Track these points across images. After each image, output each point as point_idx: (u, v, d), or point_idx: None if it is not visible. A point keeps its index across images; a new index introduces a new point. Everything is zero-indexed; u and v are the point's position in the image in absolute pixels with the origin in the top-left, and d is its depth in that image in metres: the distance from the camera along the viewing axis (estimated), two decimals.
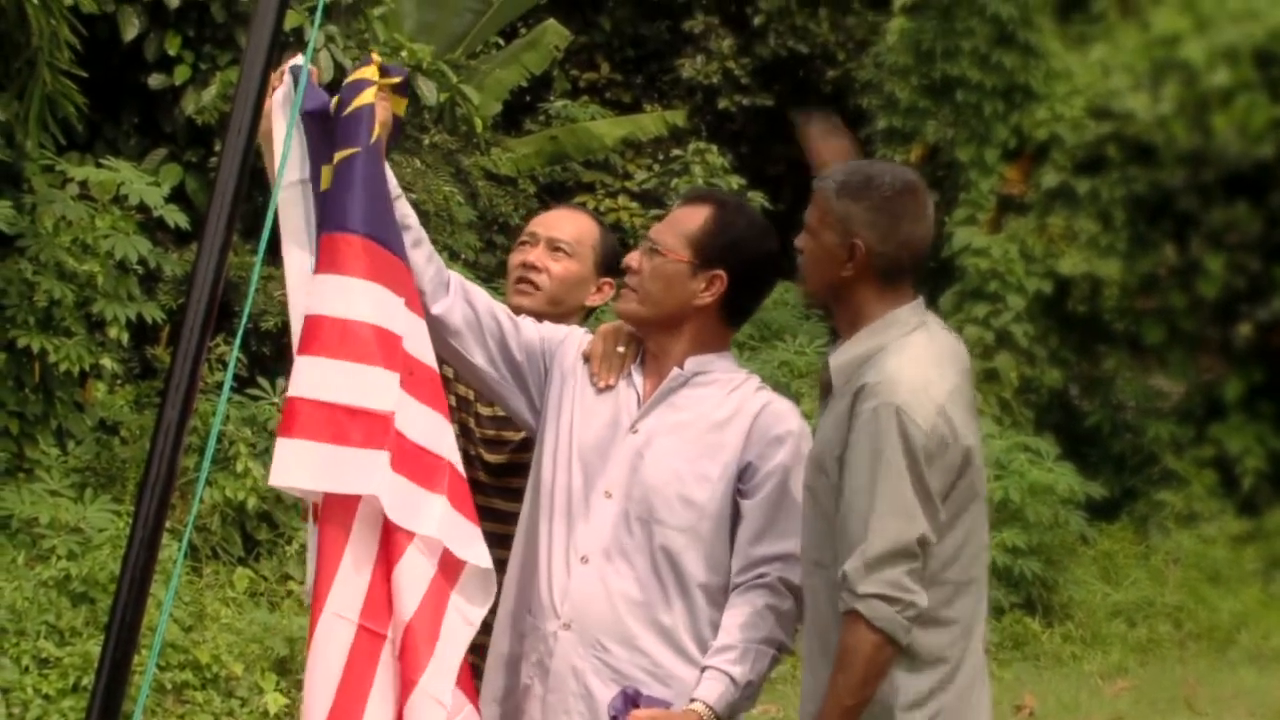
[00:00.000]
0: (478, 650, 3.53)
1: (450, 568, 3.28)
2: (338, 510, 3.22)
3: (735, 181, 12.96)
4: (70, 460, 7.87)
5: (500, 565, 3.58)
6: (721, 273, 3.49)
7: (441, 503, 3.29)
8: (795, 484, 3.39)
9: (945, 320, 3.41)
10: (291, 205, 3.35)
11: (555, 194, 13.17)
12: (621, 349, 3.58)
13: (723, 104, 14.98)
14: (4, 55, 7.65)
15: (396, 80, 3.39)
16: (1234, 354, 12.24)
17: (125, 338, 7.99)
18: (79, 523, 7.30)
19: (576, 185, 13.64)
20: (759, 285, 3.59)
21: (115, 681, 2.89)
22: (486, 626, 3.52)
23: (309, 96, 3.33)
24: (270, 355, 8.94)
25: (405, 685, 3.19)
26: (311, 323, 3.25)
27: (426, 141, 11.11)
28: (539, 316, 3.73)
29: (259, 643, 7.13)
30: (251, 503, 7.89)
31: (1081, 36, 12.56)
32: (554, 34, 12.92)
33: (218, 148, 6.27)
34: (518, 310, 3.74)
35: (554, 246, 3.86)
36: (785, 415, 3.49)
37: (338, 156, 3.29)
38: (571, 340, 3.63)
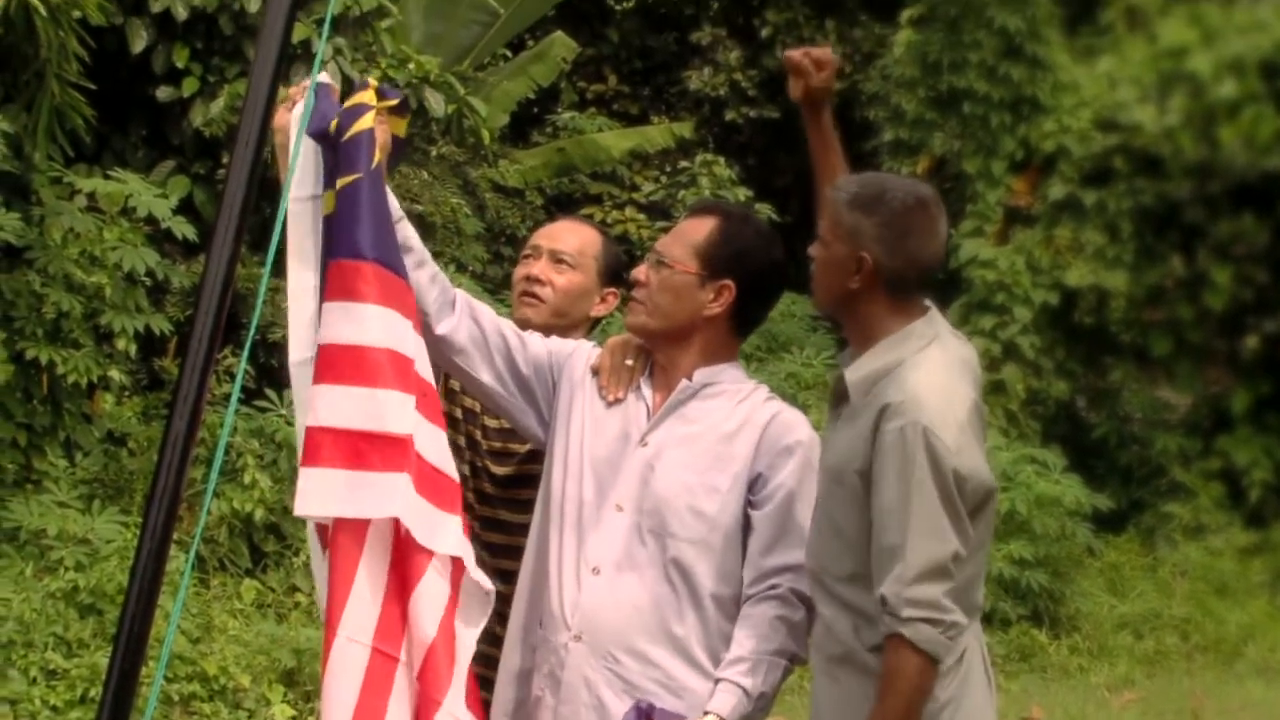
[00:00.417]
0: (488, 661, 3.53)
1: (458, 588, 3.30)
2: (349, 533, 3.24)
3: (742, 193, 12.95)
4: (78, 472, 7.87)
5: (506, 576, 3.60)
6: (730, 283, 3.49)
7: (457, 523, 3.31)
8: (805, 494, 3.39)
9: None
10: (299, 219, 3.36)
11: (562, 206, 13.17)
12: (630, 362, 3.58)
13: (730, 116, 14.96)
14: (12, 67, 7.67)
15: (394, 102, 3.40)
16: (1241, 366, 12.21)
17: (133, 349, 7.99)
18: (87, 534, 7.29)
19: (584, 197, 13.64)
20: (767, 294, 3.60)
21: (123, 693, 2.90)
22: (495, 638, 3.52)
23: (322, 116, 3.34)
24: (278, 367, 8.92)
25: (428, 704, 3.20)
26: (326, 352, 3.27)
27: (434, 153, 11.13)
28: (545, 329, 3.73)
29: (266, 654, 7.13)
30: (259, 514, 7.89)
31: (1089, 49, 12.56)
32: (562, 46, 12.93)
33: (225, 160, 6.30)
34: (523, 323, 3.74)
35: (557, 259, 3.86)
36: (794, 425, 3.49)
37: (340, 183, 3.30)
38: (580, 354, 3.63)
